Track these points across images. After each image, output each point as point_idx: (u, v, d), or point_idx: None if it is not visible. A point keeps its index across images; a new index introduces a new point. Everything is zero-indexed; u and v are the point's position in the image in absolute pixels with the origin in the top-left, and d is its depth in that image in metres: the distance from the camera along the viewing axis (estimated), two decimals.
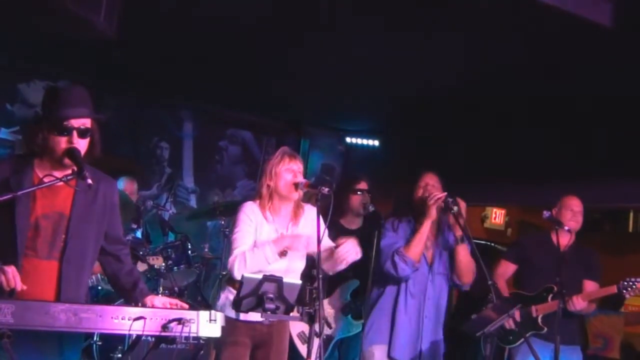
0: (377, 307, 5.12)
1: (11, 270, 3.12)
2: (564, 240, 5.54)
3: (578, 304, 5.30)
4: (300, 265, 4.40)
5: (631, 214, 9.69)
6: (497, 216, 10.35)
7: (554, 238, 5.53)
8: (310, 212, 4.41)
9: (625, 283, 5.37)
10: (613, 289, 5.40)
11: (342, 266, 4.32)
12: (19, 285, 3.10)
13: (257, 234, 4.28)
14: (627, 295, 5.48)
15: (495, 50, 5.78)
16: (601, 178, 7.19)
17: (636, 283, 5.36)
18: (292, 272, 4.28)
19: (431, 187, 5.04)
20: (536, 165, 7.39)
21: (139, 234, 6.94)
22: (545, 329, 5.34)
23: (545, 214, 5.36)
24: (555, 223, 5.43)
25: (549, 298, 5.41)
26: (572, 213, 5.57)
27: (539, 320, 5.34)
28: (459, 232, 4.94)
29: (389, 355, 4.99)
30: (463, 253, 4.97)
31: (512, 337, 5.43)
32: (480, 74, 6.25)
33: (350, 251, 4.24)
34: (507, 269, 5.77)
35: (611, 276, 5.57)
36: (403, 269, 4.92)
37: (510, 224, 11.01)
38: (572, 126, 6.82)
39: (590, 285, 5.56)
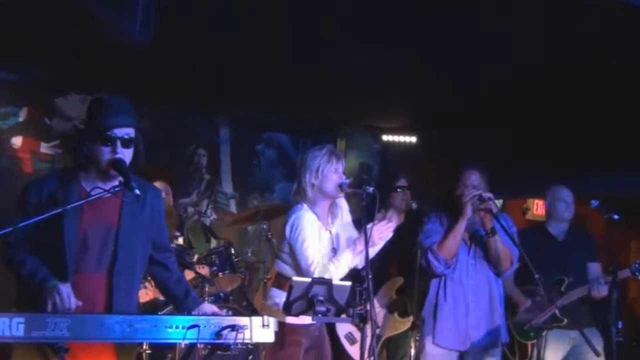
0: (426, 301, 5.05)
1: (66, 290, 3.11)
2: (561, 229, 5.63)
3: (604, 290, 5.27)
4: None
5: None
6: (539, 207, 10.16)
7: (550, 229, 5.66)
8: (339, 202, 4.46)
9: (638, 265, 5.28)
10: (627, 273, 5.28)
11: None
12: (74, 304, 3.10)
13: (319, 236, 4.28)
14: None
15: (534, 44, 5.69)
16: None
17: None
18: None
19: (471, 187, 4.88)
20: (578, 155, 7.29)
21: (181, 242, 6.97)
22: (566, 320, 5.23)
23: (594, 203, 5.23)
24: (603, 212, 5.31)
25: (562, 289, 5.35)
26: (566, 204, 5.63)
27: (557, 312, 5.20)
28: (488, 226, 4.85)
29: (433, 343, 4.91)
30: (494, 244, 4.88)
31: (532, 333, 5.31)
32: (520, 68, 6.15)
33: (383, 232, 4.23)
34: None
35: None
36: (436, 267, 4.87)
37: None
38: (614, 116, 6.71)
39: (594, 268, 5.61)
